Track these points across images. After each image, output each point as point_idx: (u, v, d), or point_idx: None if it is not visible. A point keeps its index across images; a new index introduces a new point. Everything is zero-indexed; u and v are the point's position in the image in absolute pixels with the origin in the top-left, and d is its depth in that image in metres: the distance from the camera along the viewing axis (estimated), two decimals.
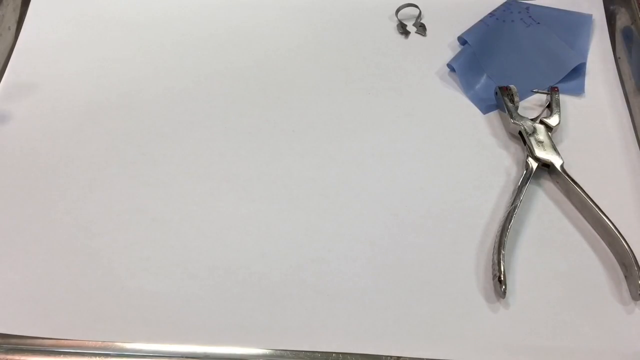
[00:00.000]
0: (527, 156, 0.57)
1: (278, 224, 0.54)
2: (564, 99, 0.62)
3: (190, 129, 0.60)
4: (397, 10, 0.69)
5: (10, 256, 0.51)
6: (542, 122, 0.59)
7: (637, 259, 0.50)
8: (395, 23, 0.69)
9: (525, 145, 0.58)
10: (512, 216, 0.52)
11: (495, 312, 0.49)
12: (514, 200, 0.54)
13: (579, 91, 0.63)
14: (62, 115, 0.60)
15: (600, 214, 0.52)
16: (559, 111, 0.60)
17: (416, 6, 0.70)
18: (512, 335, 0.48)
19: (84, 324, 0.48)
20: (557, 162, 0.56)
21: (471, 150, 0.59)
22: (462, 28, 0.67)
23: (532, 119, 0.59)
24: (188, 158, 0.58)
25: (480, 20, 0.67)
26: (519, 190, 0.54)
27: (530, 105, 0.62)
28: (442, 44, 0.67)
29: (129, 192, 0.55)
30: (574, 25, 0.68)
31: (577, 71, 0.64)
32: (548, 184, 0.57)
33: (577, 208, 0.55)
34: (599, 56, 0.66)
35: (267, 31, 0.68)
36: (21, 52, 0.65)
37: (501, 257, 0.50)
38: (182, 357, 0.47)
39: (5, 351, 0.46)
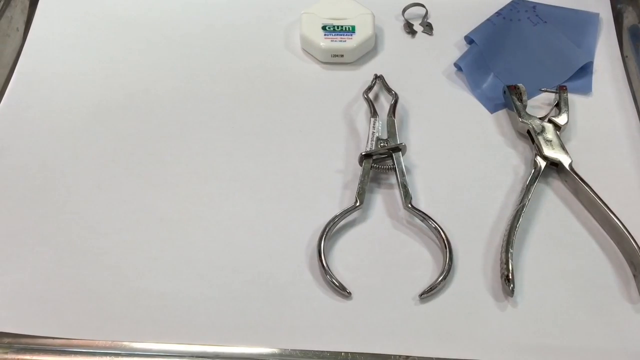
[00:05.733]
0: (536, 155, 0.57)
1: (286, 223, 0.54)
2: (572, 97, 0.62)
3: (197, 129, 0.60)
4: (404, 10, 0.69)
5: (19, 257, 0.52)
6: (550, 121, 0.59)
7: None
8: (402, 22, 0.69)
9: (533, 144, 0.58)
10: (520, 215, 0.52)
11: (503, 311, 0.49)
12: (522, 199, 0.54)
13: (586, 90, 0.63)
14: (70, 116, 0.61)
15: (609, 212, 0.52)
16: (567, 110, 0.60)
17: (423, 5, 0.70)
18: (520, 334, 0.48)
19: (94, 323, 0.48)
20: (565, 161, 0.56)
21: (479, 149, 0.59)
22: (468, 27, 0.67)
23: (540, 118, 0.59)
24: (195, 158, 0.58)
25: (487, 20, 0.67)
26: (527, 189, 0.54)
27: (539, 104, 0.62)
28: (449, 43, 0.67)
29: (136, 192, 0.56)
30: (581, 24, 0.68)
31: (585, 70, 0.64)
32: (556, 182, 0.57)
33: (585, 207, 0.55)
34: (606, 55, 0.66)
35: (273, 31, 0.68)
36: (29, 53, 0.66)
37: (509, 255, 0.50)
38: (193, 356, 0.47)
39: (16, 351, 0.46)
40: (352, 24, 0.64)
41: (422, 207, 0.54)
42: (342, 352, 0.47)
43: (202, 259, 0.52)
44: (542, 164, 0.56)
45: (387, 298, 0.50)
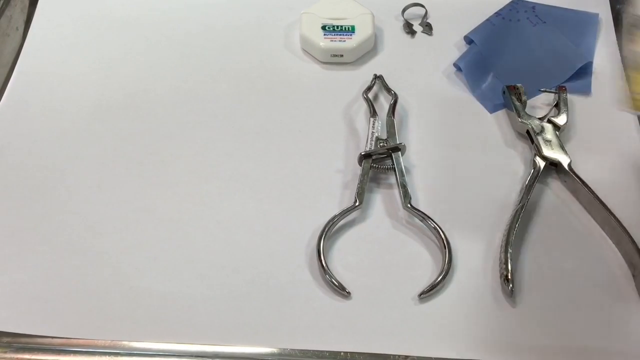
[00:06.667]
0: (535, 155, 0.57)
1: (285, 223, 0.54)
2: (571, 98, 0.62)
3: (197, 129, 0.60)
4: (404, 10, 0.69)
5: (19, 256, 0.52)
6: (549, 121, 0.59)
7: None
8: (401, 22, 0.69)
9: (532, 144, 0.58)
10: (519, 215, 0.53)
11: (503, 311, 0.49)
12: (522, 199, 0.54)
13: (585, 90, 0.63)
14: (70, 115, 0.61)
15: (608, 213, 0.53)
16: (567, 110, 0.60)
17: (422, 6, 0.70)
18: (519, 334, 0.48)
19: (93, 323, 0.48)
20: (564, 161, 0.56)
21: (478, 149, 0.59)
22: (468, 27, 0.67)
23: (539, 118, 0.59)
24: (195, 158, 0.58)
25: (487, 20, 0.67)
26: (526, 189, 0.54)
27: (538, 104, 0.62)
28: (449, 43, 0.67)
29: (136, 192, 0.56)
30: (580, 24, 0.68)
31: (584, 70, 0.64)
32: (555, 183, 0.57)
33: (584, 207, 0.55)
34: (606, 55, 0.66)
35: (273, 31, 0.68)
36: (29, 53, 0.66)
37: (508, 255, 0.50)
38: (192, 356, 0.47)
39: (15, 350, 0.47)
40: (352, 24, 0.64)
41: (422, 207, 0.54)
42: (341, 352, 0.47)
43: (202, 259, 0.52)
44: (542, 164, 0.56)
45: (387, 298, 0.50)
